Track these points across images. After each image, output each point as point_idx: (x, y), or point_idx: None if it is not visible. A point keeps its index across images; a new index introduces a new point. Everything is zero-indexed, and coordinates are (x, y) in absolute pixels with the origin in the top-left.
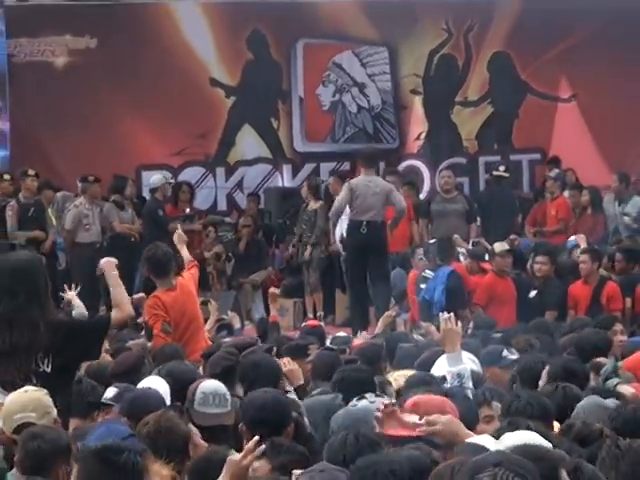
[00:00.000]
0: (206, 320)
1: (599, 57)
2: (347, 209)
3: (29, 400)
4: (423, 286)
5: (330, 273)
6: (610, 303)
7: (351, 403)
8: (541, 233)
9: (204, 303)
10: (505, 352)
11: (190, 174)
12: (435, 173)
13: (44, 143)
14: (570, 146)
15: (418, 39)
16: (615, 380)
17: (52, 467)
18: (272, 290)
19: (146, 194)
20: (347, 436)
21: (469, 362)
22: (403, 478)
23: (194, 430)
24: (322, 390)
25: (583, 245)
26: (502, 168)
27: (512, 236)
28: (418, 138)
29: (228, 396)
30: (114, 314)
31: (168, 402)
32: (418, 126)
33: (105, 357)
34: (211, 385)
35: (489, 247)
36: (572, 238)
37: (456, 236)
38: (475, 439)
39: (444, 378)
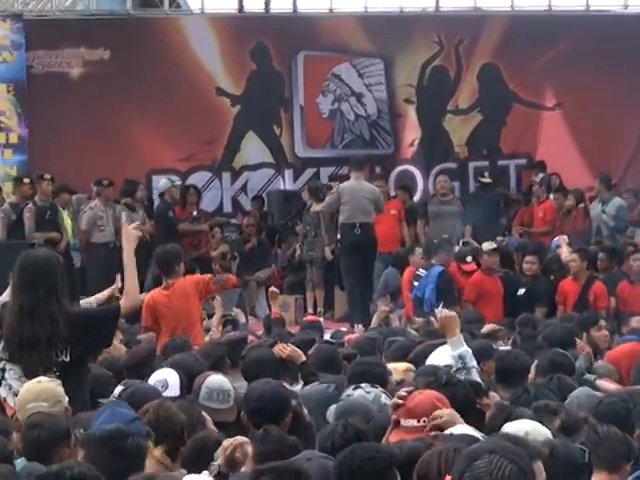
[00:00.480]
0: (211, 316)
1: (581, 68)
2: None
3: (42, 390)
4: (416, 284)
5: (330, 271)
6: (597, 301)
7: (347, 392)
8: (528, 234)
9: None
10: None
11: (197, 178)
12: (428, 177)
13: (60, 148)
14: (555, 152)
15: (412, 52)
16: (593, 376)
17: (53, 453)
18: (272, 289)
19: (155, 197)
20: (336, 426)
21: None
22: (384, 464)
23: (207, 418)
24: (322, 380)
25: (564, 245)
26: (486, 174)
27: (499, 238)
28: (412, 144)
29: (232, 392)
30: (122, 302)
31: (177, 392)
32: (412, 133)
33: (121, 348)
34: (217, 381)
35: (478, 246)
36: (556, 239)
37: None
38: (458, 428)
39: (449, 365)
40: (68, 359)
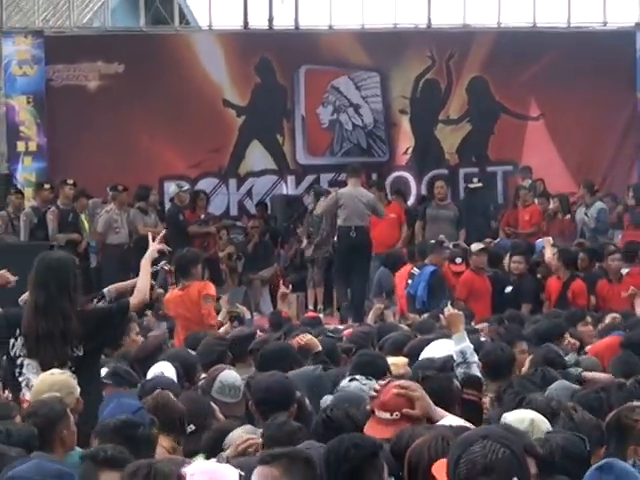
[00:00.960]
0: (218, 312)
1: (563, 81)
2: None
3: (55, 381)
4: (410, 282)
5: (330, 270)
6: (576, 298)
7: (343, 384)
8: (514, 234)
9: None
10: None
11: (206, 184)
12: (420, 183)
13: (78, 156)
14: (538, 159)
15: (406, 66)
16: (578, 369)
17: (51, 435)
18: (283, 289)
19: (167, 201)
20: (323, 416)
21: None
22: (369, 452)
23: (216, 408)
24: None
25: (548, 247)
26: (476, 180)
27: (487, 240)
28: (406, 152)
29: (242, 388)
30: (131, 299)
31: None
32: (406, 142)
33: (138, 339)
34: (231, 377)
35: (467, 248)
36: (540, 240)
37: (442, 236)
38: (447, 419)
39: (451, 357)
40: (82, 354)
